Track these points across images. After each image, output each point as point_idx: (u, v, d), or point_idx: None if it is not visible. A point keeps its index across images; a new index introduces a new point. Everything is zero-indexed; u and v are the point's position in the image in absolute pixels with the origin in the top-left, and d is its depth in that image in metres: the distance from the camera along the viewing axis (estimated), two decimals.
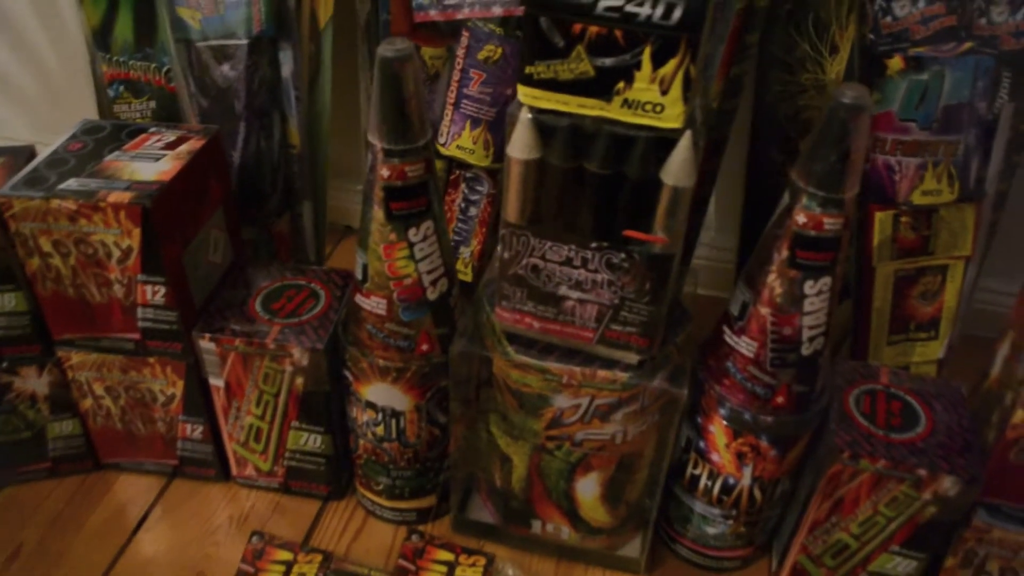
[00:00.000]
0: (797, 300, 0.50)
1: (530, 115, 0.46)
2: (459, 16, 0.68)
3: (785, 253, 0.49)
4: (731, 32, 0.63)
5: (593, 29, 0.43)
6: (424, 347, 0.55)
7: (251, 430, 0.63)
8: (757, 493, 0.58)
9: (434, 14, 0.69)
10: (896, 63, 0.58)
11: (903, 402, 0.57)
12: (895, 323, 0.64)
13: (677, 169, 0.45)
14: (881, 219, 0.61)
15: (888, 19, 0.58)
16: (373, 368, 0.56)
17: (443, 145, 0.72)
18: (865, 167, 0.47)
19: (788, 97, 0.67)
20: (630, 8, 0.42)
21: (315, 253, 0.73)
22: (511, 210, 0.49)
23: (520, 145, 0.47)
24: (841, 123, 0.45)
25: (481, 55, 0.68)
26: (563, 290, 0.51)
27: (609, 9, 0.42)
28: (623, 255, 0.49)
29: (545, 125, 0.46)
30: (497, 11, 0.67)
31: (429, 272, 0.53)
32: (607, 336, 0.52)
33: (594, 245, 0.49)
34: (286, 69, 0.67)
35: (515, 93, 0.63)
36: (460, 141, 0.71)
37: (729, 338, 0.54)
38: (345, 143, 0.76)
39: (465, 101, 0.70)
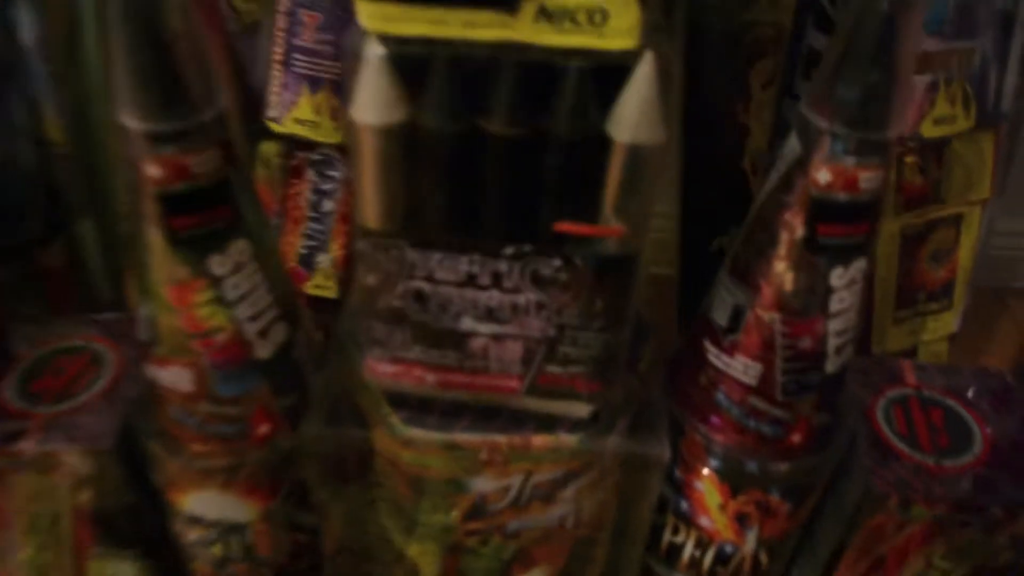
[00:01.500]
0: (820, 297, 0.33)
1: (382, 50, 0.27)
2: None
3: (799, 230, 0.33)
4: None
5: None
6: (263, 429, 0.36)
7: (33, 569, 0.42)
8: (764, 557, 0.42)
9: None
10: None
11: (945, 409, 0.42)
12: (902, 295, 0.49)
13: (635, 116, 0.28)
14: None
15: None
16: (189, 470, 0.37)
17: (276, 121, 0.52)
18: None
19: (732, 10, 0.51)
20: None
21: (109, 293, 0.52)
22: (369, 210, 0.31)
23: (372, 103, 0.28)
24: (885, 20, 0.28)
25: None
26: (467, 323, 0.33)
27: None
28: (557, 262, 0.31)
29: (410, 64, 0.27)
30: None
31: (254, 318, 0.34)
32: (541, 383, 0.34)
33: (510, 251, 0.31)
34: (27, 34, 0.46)
35: None
36: (297, 112, 0.52)
37: (716, 358, 0.37)
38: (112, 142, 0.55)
39: (297, 56, 0.50)
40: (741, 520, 0.40)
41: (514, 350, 0.33)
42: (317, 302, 0.54)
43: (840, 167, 0.31)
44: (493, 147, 0.29)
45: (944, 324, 0.51)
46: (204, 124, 0.29)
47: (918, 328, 0.50)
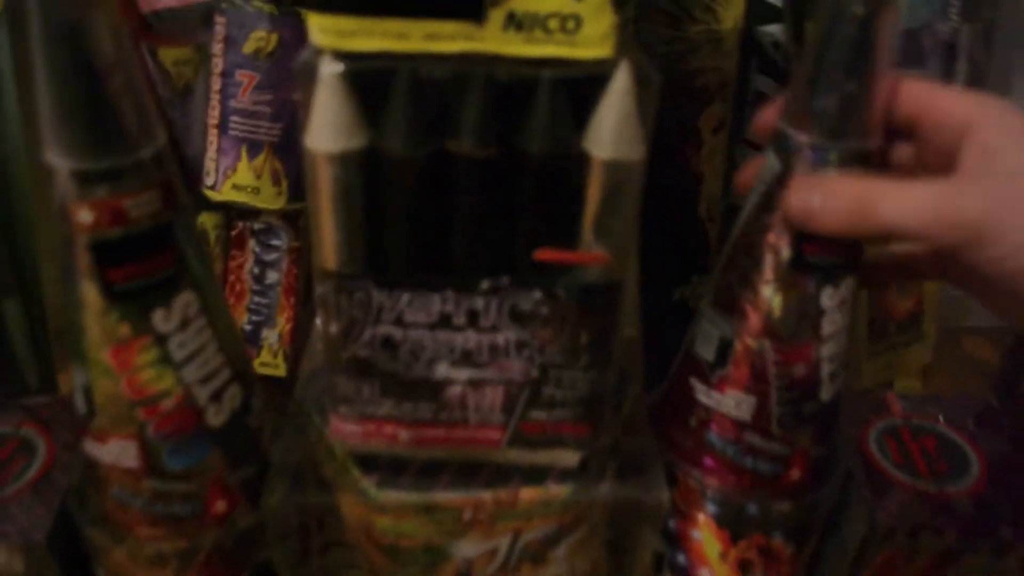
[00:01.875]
0: (811, 320, 0.32)
1: (339, 67, 0.25)
2: None
3: (785, 251, 0.31)
4: None
5: None
6: (219, 507, 0.32)
7: None
8: None
9: None
10: None
11: (937, 436, 0.40)
12: (875, 327, 0.48)
13: (613, 131, 0.26)
14: None
15: None
16: (137, 559, 0.32)
17: (213, 188, 0.49)
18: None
19: (678, 59, 0.50)
20: None
21: (37, 376, 0.48)
22: (329, 249, 0.28)
23: (327, 127, 0.26)
24: (860, 24, 0.28)
25: (247, 47, 0.47)
26: (442, 370, 0.30)
27: None
28: (538, 295, 0.29)
29: (369, 83, 0.25)
30: None
31: (204, 380, 0.30)
32: (524, 431, 0.32)
33: (486, 286, 0.28)
34: None
35: None
36: (236, 178, 0.49)
37: (706, 396, 0.35)
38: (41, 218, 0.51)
39: (235, 118, 0.48)
40: (744, 568, 0.37)
41: (494, 397, 0.31)
42: (264, 381, 0.51)
43: None
44: (462, 171, 0.27)
45: (918, 355, 0.50)
46: (141, 162, 0.27)
47: (893, 361, 0.49)
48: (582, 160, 0.26)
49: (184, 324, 0.29)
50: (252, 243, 0.54)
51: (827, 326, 0.32)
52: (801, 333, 0.32)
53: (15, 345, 0.47)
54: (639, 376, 0.49)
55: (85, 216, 0.26)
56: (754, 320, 0.33)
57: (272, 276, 0.54)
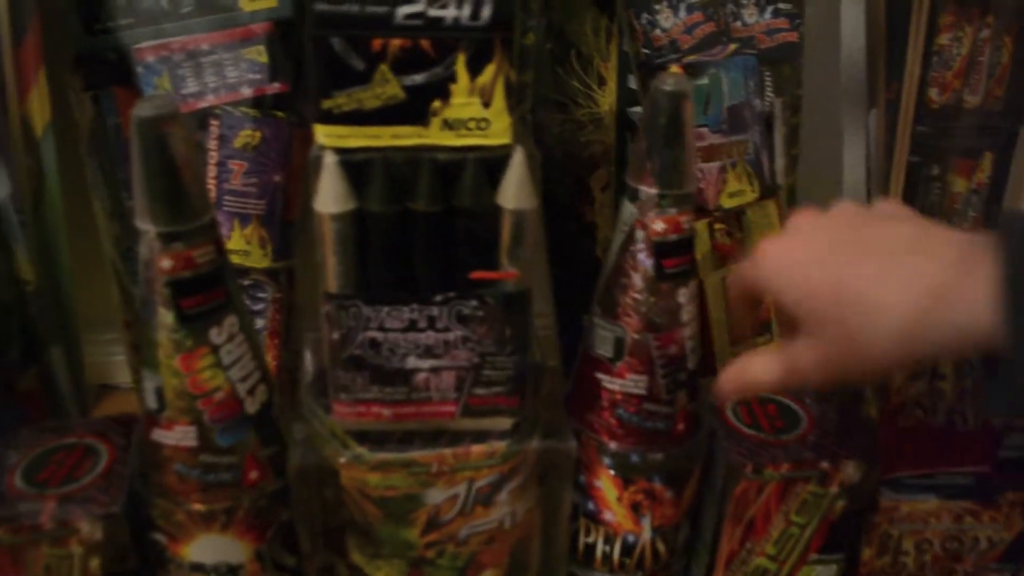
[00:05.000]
0: (674, 313, 0.46)
1: (336, 158, 0.39)
2: (202, 105, 0.60)
3: (650, 269, 0.45)
4: None
5: (396, 43, 0.37)
6: (253, 475, 0.45)
7: None
8: (660, 546, 0.52)
9: None
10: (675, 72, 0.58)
11: (777, 404, 0.54)
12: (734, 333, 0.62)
13: (515, 190, 0.40)
14: (698, 229, 0.59)
15: (657, 32, 0.58)
16: (193, 518, 0.44)
17: None
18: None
19: (569, 136, 0.65)
20: (434, 12, 0.36)
21: (78, 408, 0.59)
22: (332, 279, 0.41)
23: (330, 197, 0.39)
24: (671, 113, 0.42)
25: (238, 143, 0.60)
26: (411, 362, 0.43)
27: (410, 16, 0.36)
28: (474, 303, 0.42)
29: (356, 167, 0.39)
30: (246, 92, 0.59)
31: (243, 379, 0.43)
32: (471, 404, 0.45)
33: (440, 298, 0.42)
34: (2, 189, 0.54)
35: (284, 178, 0.56)
36: (231, 244, 0.62)
37: (609, 383, 0.48)
38: (84, 283, 0.63)
39: (228, 198, 0.61)
40: (636, 509, 0.50)
41: (448, 380, 0.44)
42: None
43: (669, 217, 0.44)
44: (421, 223, 0.40)
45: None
46: (203, 225, 0.40)
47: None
48: (497, 210, 0.40)
49: (231, 338, 0.42)
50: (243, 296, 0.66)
51: (685, 315, 0.46)
52: (670, 323, 0.46)
53: (60, 385, 0.59)
54: (560, 372, 0.62)
55: (165, 264, 0.39)
56: (636, 320, 0.46)
57: (259, 322, 0.66)
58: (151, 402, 0.43)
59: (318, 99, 0.38)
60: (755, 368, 0.42)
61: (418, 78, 0.38)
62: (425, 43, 0.37)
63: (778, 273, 0.39)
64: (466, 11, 0.37)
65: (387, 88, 0.38)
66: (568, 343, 0.68)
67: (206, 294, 0.41)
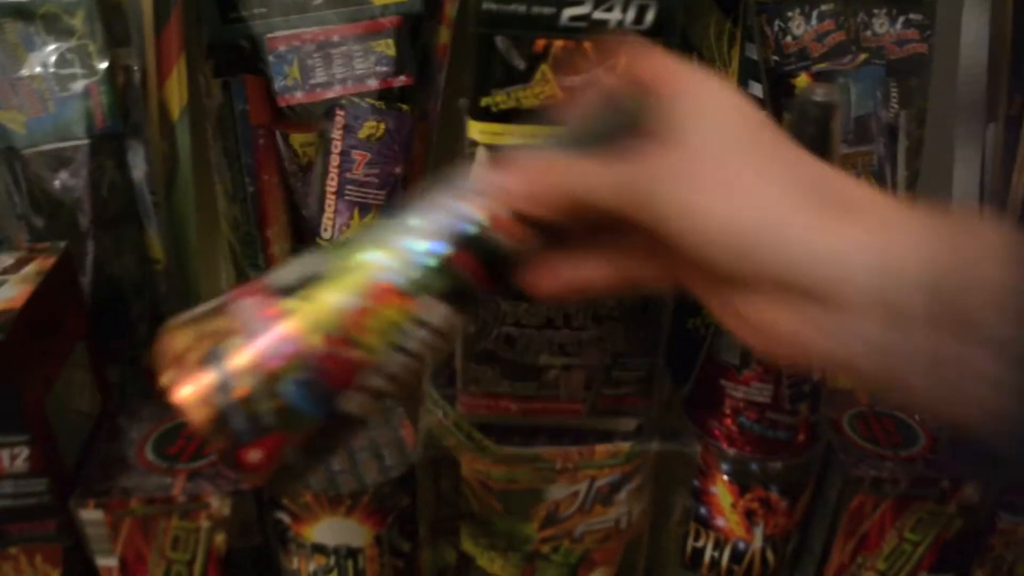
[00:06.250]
0: None
1: (486, 152, 0.39)
2: (329, 95, 0.61)
3: None
4: None
5: (559, 44, 0.37)
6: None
7: None
8: (770, 555, 0.52)
9: (300, 96, 0.61)
10: (803, 81, 0.57)
11: (895, 419, 0.54)
12: None
13: None
14: None
15: (788, 39, 0.58)
16: (321, 500, 0.45)
17: (329, 240, 0.63)
18: None
19: None
20: (599, 15, 0.37)
21: None
22: None
23: None
24: (820, 123, 0.42)
25: (362, 133, 0.61)
26: (544, 358, 0.44)
27: (575, 19, 0.37)
28: (611, 303, 0.42)
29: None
30: (373, 84, 0.60)
31: None
32: (600, 405, 0.45)
33: None
34: (138, 171, 0.56)
35: (404, 171, 0.57)
36: (349, 232, 0.63)
37: (734, 390, 0.48)
38: (200, 259, 0.65)
39: (350, 187, 0.62)
40: (750, 516, 0.50)
41: (578, 379, 0.44)
42: None
43: None
44: None
45: None
46: None
47: None
48: None
49: None
50: None
51: None
52: None
53: None
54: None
55: None
56: None
57: None
58: None
59: (477, 96, 0.38)
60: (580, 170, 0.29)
61: (579, 79, 0.38)
62: (587, 46, 0.37)
63: None
64: (631, 15, 0.37)
65: (547, 87, 0.38)
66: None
67: None
